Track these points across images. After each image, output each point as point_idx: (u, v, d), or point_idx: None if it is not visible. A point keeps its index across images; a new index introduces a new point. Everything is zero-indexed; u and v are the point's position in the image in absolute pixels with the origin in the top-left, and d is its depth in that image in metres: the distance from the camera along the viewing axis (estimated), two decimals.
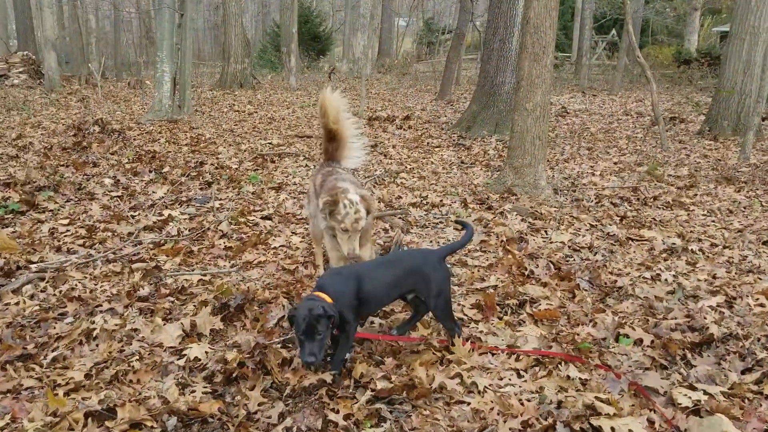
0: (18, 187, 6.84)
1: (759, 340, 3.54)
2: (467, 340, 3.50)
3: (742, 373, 3.23)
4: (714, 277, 4.67)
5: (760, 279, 4.64)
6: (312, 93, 20.30)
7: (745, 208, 6.99)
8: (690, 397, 2.90)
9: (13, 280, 4.37)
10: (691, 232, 5.90)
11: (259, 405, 2.96)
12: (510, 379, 3.15)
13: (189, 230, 5.70)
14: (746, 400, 2.96)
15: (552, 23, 6.72)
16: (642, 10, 30.62)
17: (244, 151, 9.86)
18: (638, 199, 7.27)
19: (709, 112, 13.00)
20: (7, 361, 3.27)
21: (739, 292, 4.29)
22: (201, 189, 7.32)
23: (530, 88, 6.86)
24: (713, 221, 6.39)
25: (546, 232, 5.76)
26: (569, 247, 5.36)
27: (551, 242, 5.45)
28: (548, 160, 9.60)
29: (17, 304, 3.98)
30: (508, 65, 11.62)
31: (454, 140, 11.47)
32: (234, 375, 3.15)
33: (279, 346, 3.45)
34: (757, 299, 4.15)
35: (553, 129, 13.05)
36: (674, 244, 5.44)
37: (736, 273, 4.79)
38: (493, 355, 3.39)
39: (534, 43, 6.74)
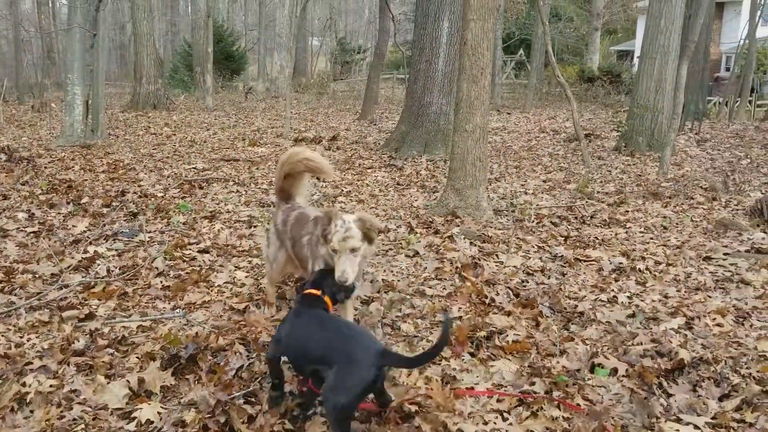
0: None
1: (727, 363, 3.55)
2: (445, 382, 3.33)
3: (720, 399, 3.21)
4: (666, 296, 4.72)
5: (710, 297, 4.72)
6: (230, 114, 19.78)
7: (677, 224, 7.20)
8: None
9: None
10: (633, 250, 5.98)
11: None
12: (495, 423, 2.99)
13: (120, 269, 5.24)
14: (732, 431, 2.93)
15: (489, 45, 6.75)
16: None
17: (168, 177, 9.36)
18: (576, 217, 7.37)
19: (624, 128, 13.56)
20: None
21: (695, 312, 4.33)
22: (126, 221, 6.82)
23: (469, 109, 6.84)
24: (651, 238, 6.51)
25: (497, 256, 5.67)
26: (523, 271, 5.30)
27: (505, 267, 5.37)
28: None
29: None
30: (434, 86, 11.67)
31: (385, 161, 11.36)
32: None
33: (241, 401, 3.15)
34: (714, 319, 4.20)
35: None
36: (621, 263, 5.50)
37: (685, 291, 4.86)
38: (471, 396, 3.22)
39: (472, 65, 6.74)
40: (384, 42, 19.60)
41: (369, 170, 10.46)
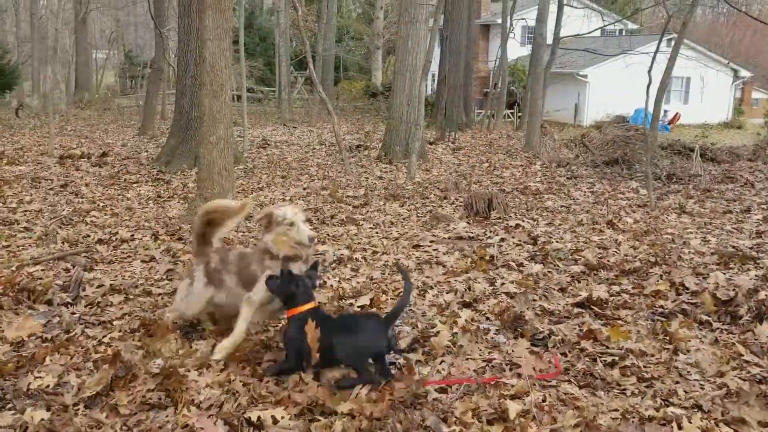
0: None
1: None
2: None
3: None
4: (371, 278, 5.60)
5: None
6: None
7: (405, 219, 8.27)
8: None
9: None
10: (358, 243, 6.85)
11: None
12: None
13: None
14: None
15: (227, 63, 7.33)
16: (334, 48, 32.61)
17: None
18: (318, 218, 8.15)
19: (384, 139, 15.08)
20: None
21: (389, 288, 5.28)
22: None
23: (212, 122, 7.30)
24: (377, 233, 7.43)
25: None
26: None
27: None
28: (245, 189, 10.37)
29: None
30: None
31: (153, 175, 11.69)
32: None
33: None
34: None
35: (253, 160, 13.97)
36: (342, 254, 6.32)
37: (389, 273, 5.75)
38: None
39: (212, 81, 7.23)
40: (160, 56, 18.91)
41: (134, 185, 10.79)
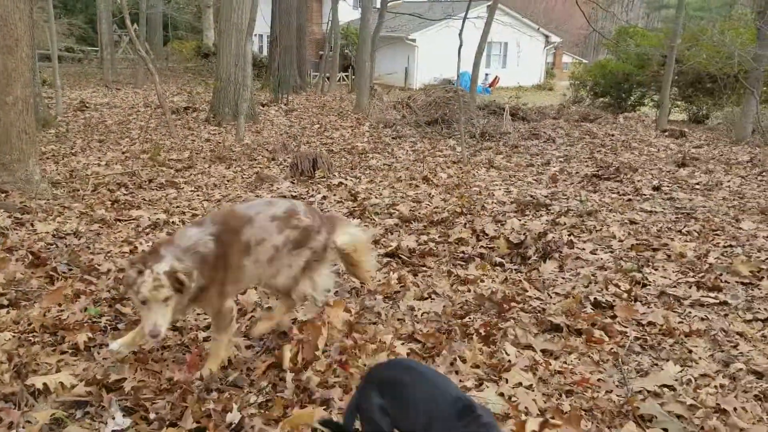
0: None
1: None
2: None
3: None
4: None
5: None
6: None
7: (230, 181, 8.38)
8: None
9: None
10: (177, 207, 6.90)
11: None
12: None
13: None
14: None
15: (22, 16, 6.72)
16: (161, 6, 30.55)
17: None
18: (134, 183, 8.02)
19: (212, 101, 14.79)
20: None
21: None
22: None
23: (7, 81, 6.74)
24: (198, 195, 7.54)
25: (32, 224, 5.93)
26: (53, 235, 5.65)
27: (36, 233, 5.67)
28: (56, 155, 9.91)
29: None
30: None
31: None
32: None
33: None
34: None
35: (68, 123, 13.29)
36: (158, 219, 6.27)
37: None
38: None
39: (5, 35, 6.63)
40: None
41: None
